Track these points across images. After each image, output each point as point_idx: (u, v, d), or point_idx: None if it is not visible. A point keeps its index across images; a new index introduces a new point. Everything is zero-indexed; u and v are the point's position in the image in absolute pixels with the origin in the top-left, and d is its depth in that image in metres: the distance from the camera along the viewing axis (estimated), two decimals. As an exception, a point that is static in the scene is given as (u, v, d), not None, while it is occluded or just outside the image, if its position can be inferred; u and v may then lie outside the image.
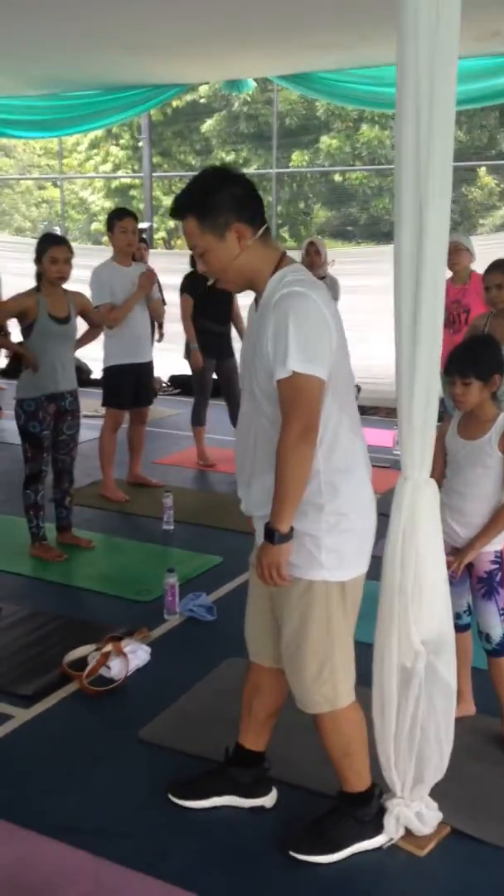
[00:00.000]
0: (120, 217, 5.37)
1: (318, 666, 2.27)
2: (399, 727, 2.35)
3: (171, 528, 5.01)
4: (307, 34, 6.33)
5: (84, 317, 4.72)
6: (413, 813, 2.42)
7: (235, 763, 2.60)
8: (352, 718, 2.35)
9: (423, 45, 2.00)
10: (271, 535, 2.13)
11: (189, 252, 6.29)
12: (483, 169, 14.85)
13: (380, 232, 14.97)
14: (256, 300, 2.25)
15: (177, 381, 9.13)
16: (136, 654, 3.41)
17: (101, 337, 5.26)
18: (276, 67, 8.21)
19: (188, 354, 6.24)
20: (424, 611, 2.27)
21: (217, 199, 2.12)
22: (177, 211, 2.18)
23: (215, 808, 2.59)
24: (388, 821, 2.42)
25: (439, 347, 2.19)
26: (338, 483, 2.19)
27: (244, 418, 2.31)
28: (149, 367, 5.70)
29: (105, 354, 5.54)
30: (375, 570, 2.33)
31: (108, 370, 5.55)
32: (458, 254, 5.42)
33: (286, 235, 15.23)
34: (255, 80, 9.15)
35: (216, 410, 6.70)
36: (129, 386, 5.54)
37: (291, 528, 2.14)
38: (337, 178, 15.13)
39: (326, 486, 2.18)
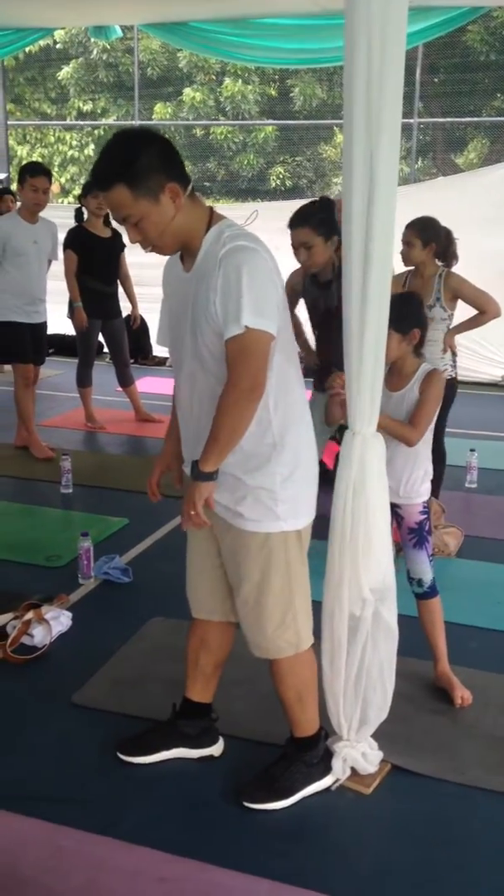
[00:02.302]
0: (33, 174, 5.14)
1: (280, 614, 2.32)
2: (347, 672, 2.44)
3: (70, 491, 4.91)
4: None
5: None
6: (359, 753, 2.52)
7: (183, 716, 2.62)
8: (309, 661, 2.43)
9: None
10: (197, 472, 2.17)
11: (74, 205, 6.19)
12: (338, 128, 15.00)
13: (237, 189, 14.88)
14: (182, 258, 2.22)
15: (50, 342, 8.80)
16: (59, 620, 3.36)
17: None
18: (145, 15, 7.98)
19: (71, 313, 6.05)
20: (373, 561, 2.35)
21: (144, 162, 2.03)
22: (102, 182, 2.07)
23: (164, 762, 2.62)
24: (336, 762, 2.51)
25: (388, 303, 2.24)
26: (287, 435, 2.23)
27: (187, 379, 2.27)
28: (43, 327, 5.53)
29: None
30: (323, 529, 2.38)
31: (1, 325, 5.34)
32: None
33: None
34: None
35: (101, 370, 6.55)
36: (27, 339, 5.38)
37: (216, 471, 2.16)
38: (198, 132, 14.89)
39: (278, 437, 2.21)
